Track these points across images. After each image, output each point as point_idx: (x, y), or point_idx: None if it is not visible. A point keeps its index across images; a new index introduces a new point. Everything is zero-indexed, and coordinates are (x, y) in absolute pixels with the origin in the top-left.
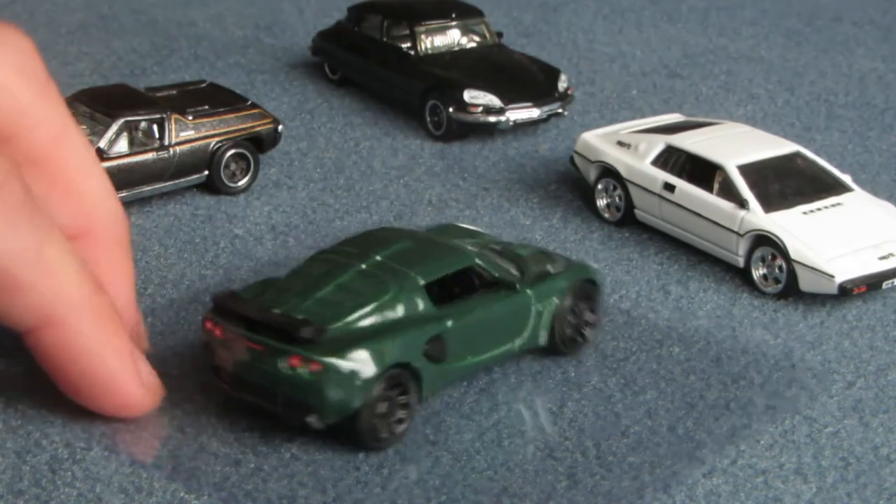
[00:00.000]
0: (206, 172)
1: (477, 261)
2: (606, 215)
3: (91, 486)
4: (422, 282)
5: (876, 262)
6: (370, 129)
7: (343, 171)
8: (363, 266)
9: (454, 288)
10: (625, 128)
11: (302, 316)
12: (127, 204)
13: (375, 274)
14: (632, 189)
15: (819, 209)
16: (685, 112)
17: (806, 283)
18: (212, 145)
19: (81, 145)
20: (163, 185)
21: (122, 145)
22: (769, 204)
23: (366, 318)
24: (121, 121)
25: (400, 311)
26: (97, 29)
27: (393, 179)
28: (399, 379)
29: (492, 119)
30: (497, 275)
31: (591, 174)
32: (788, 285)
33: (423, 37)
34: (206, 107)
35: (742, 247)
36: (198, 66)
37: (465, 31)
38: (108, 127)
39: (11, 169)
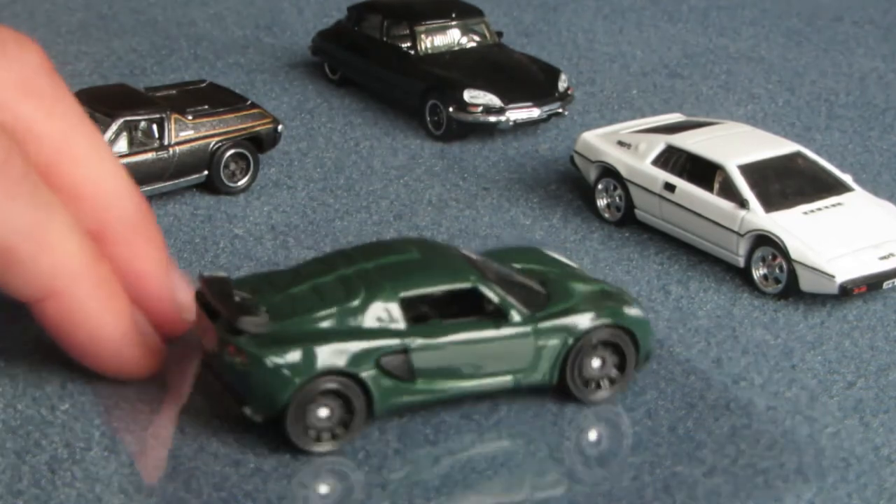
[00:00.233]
0: (206, 172)
1: (478, 285)
2: (607, 215)
3: (91, 486)
4: (399, 294)
5: (876, 262)
6: (370, 129)
7: (343, 171)
8: (348, 271)
9: (455, 308)
10: (625, 128)
11: (265, 308)
12: None
13: (353, 280)
14: (632, 189)
15: (820, 209)
16: (685, 112)
17: (806, 283)
18: (211, 145)
19: (92, 149)
20: (162, 184)
21: (122, 145)
22: (770, 204)
23: (325, 320)
24: (120, 120)
25: (365, 320)
26: (97, 29)
27: (393, 179)
28: (341, 386)
29: (492, 119)
30: (497, 301)
31: (592, 174)
32: (789, 285)
33: (423, 36)
34: (206, 107)
35: (742, 247)
36: (198, 65)
37: (465, 30)
38: (107, 127)
39: (12, 146)
